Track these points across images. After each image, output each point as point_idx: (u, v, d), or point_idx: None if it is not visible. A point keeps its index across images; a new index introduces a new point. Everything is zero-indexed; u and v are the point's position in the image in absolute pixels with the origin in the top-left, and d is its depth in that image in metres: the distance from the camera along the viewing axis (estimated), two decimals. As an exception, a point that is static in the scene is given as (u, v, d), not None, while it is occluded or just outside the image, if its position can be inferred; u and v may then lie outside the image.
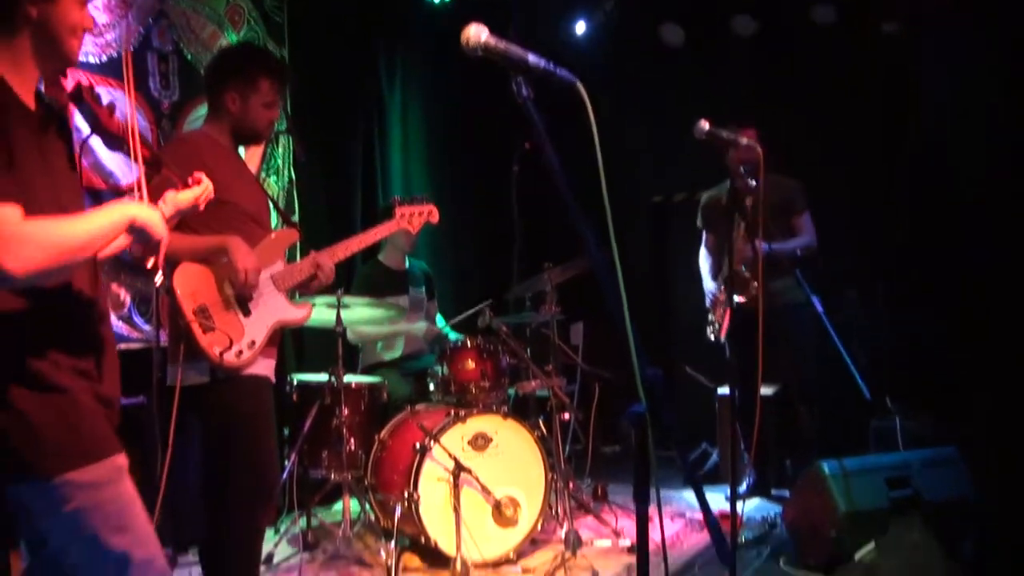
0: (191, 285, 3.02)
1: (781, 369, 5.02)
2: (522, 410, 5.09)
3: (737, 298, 4.93)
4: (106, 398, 2.14)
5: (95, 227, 2.02)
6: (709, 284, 5.40)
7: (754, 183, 4.57)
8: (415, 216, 3.85)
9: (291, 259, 3.62)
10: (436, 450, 4.19)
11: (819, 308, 5.08)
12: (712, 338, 5.24)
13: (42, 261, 1.90)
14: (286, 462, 4.50)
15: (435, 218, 3.90)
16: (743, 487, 5.18)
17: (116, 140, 2.22)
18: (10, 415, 1.95)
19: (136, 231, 2.10)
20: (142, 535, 2.11)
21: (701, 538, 4.65)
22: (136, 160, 2.19)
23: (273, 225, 3.58)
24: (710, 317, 5.30)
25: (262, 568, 4.23)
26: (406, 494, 4.15)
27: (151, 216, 2.12)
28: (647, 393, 1.62)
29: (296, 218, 5.68)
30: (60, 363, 2.02)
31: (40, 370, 1.99)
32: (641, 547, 1.86)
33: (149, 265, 2.15)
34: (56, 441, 1.99)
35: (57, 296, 2.05)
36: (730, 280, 4.44)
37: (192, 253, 3.02)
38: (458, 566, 4.05)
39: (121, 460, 2.11)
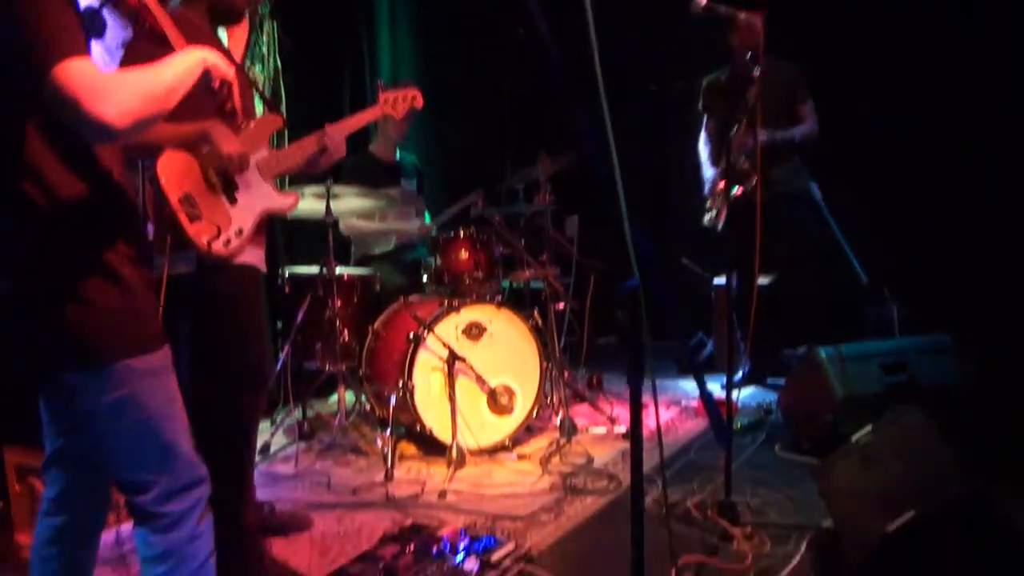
0: (176, 173, 2.95)
1: (778, 258, 5.00)
2: (517, 302, 5.10)
3: (736, 191, 4.88)
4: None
5: (176, 72, 2.02)
6: (708, 171, 5.34)
7: (756, 69, 4.47)
8: (399, 101, 3.75)
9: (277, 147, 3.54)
10: (430, 340, 4.20)
11: (817, 195, 5.05)
12: (708, 225, 5.21)
13: (138, 109, 1.87)
14: (280, 354, 4.51)
15: (419, 103, 3.79)
16: (738, 376, 5.22)
17: (131, 12, 2.16)
18: (80, 304, 1.95)
19: (207, 72, 2.12)
20: (183, 428, 2.13)
21: (696, 424, 4.71)
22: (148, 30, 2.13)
23: (258, 113, 3.49)
24: (708, 204, 5.26)
25: (258, 458, 4.31)
26: (400, 383, 4.18)
27: (217, 58, 2.15)
28: (641, 268, 1.59)
29: (283, 108, 5.57)
30: (121, 253, 2.03)
31: (107, 260, 2.00)
32: (635, 416, 1.85)
33: (228, 107, 2.17)
34: (121, 329, 2.00)
35: (110, 187, 2.04)
36: (728, 172, 4.38)
37: (174, 140, 2.95)
38: (454, 453, 4.11)
39: (168, 352, 2.13)
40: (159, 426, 2.07)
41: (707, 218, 5.22)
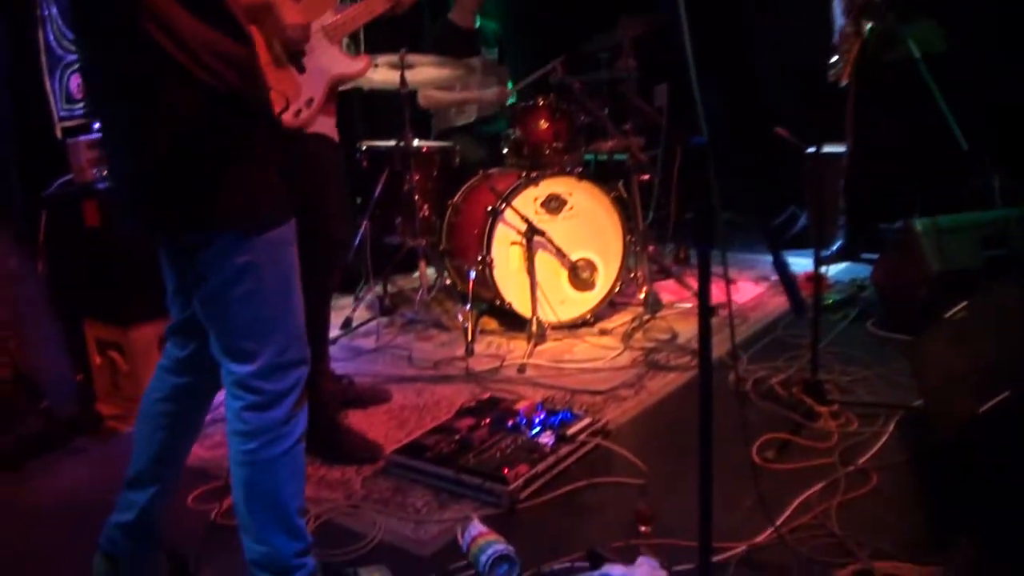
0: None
1: (887, 125, 4.74)
2: (600, 175, 4.99)
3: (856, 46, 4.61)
4: None
5: None
6: (839, 20, 5.02)
7: None
8: None
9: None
10: (508, 213, 4.15)
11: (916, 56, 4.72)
12: (832, 80, 4.91)
13: None
14: (359, 229, 4.52)
15: None
16: (832, 250, 5.05)
17: None
18: (216, 165, 1.99)
19: None
20: (297, 304, 2.17)
21: (786, 301, 4.59)
22: None
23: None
24: (834, 59, 4.93)
25: (340, 333, 4.38)
26: (479, 258, 4.16)
27: None
28: (710, 126, 1.50)
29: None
30: (259, 135, 2.05)
31: (250, 139, 2.03)
32: (703, 283, 1.77)
33: None
34: (254, 193, 2.04)
35: (253, 67, 2.06)
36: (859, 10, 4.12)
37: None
38: (534, 328, 4.11)
39: (294, 226, 2.16)
40: (276, 297, 2.10)
41: (831, 73, 4.92)
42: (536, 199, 4.21)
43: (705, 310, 1.76)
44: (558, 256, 4.22)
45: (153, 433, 2.32)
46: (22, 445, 3.34)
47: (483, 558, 2.38)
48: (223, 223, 2.01)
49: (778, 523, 2.51)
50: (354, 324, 4.51)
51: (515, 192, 4.16)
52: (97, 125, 3.56)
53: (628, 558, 2.37)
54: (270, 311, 2.10)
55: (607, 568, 2.34)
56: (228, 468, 2.21)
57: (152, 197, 2.03)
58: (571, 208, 4.27)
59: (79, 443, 3.51)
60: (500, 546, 2.41)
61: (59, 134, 3.97)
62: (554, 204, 4.24)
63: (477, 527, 2.53)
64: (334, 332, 4.41)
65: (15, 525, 3.00)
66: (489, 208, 4.17)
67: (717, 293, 1.88)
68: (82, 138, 3.65)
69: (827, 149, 5.00)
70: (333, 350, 4.23)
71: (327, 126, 3.14)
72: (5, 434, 3.31)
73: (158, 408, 2.32)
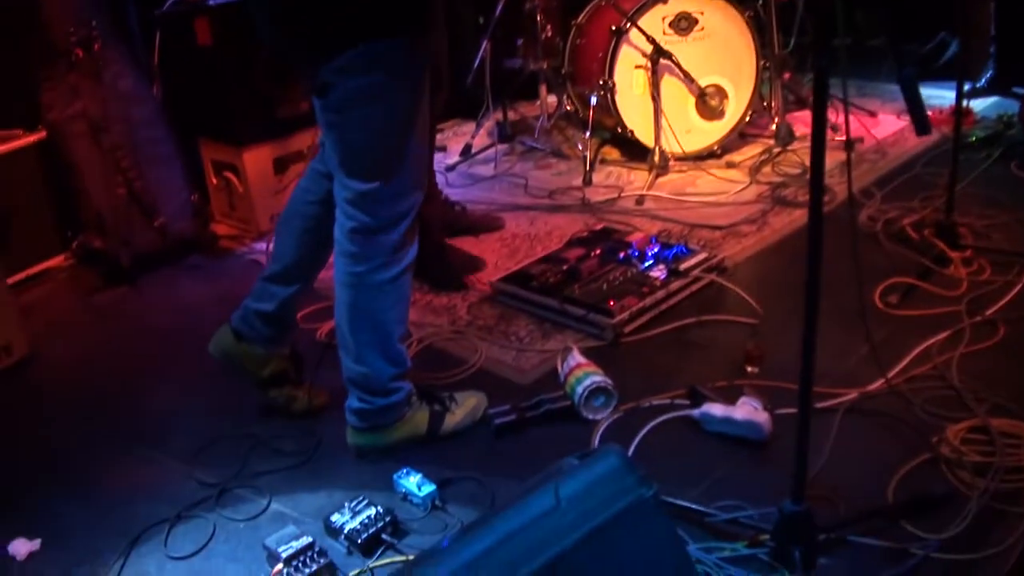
0: None
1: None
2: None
3: None
4: None
5: None
6: None
7: None
8: None
9: None
10: (633, 34, 3.96)
11: None
12: None
13: None
14: (479, 51, 4.42)
15: None
16: (981, 81, 4.67)
17: None
18: None
19: None
20: (423, 130, 2.17)
21: (927, 138, 4.29)
22: None
23: None
24: None
25: (457, 159, 4.37)
26: (601, 82, 4.02)
27: None
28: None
29: None
30: None
31: None
32: (817, 110, 1.65)
33: None
34: (405, 14, 2.02)
35: None
36: None
37: None
38: (656, 158, 3.99)
39: (431, 45, 2.15)
40: (403, 116, 2.09)
41: None
42: (664, 18, 4.00)
43: (819, 145, 1.64)
44: (685, 81, 4.04)
45: (301, 234, 2.36)
46: (138, 260, 3.50)
47: (579, 389, 2.39)
48: (362, 34, 1.98)
49: (893, 372, 2.42)
50: (473, 151, 4.47)
51: (641, 10, 3.96)
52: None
53: (730, 398, 2.35)
54: (396, 129, 2.09)
55: (707, 406, 2.33)
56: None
57: (291, 5, 2.01)
58: (702, 29, 4.04)
59: (193, 260, 3.66)
60: (598, 378, 2.41)
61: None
62: (684, 24, 4.02)
63: (576, 358, 2.54)
64: (453, 159, 4.41)
65: (131, 335, 3.20)
66: (613, 28, 3.99)
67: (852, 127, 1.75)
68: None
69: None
70: (451, 177, 4.25)
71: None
72: (122, 249, 3.46)
73: (309, 211, 2.36)
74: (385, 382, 2.26)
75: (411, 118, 2.11)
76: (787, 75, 4.37)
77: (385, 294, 2.21)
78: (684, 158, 4.14)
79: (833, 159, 4.06)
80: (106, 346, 3.12)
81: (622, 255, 3.12)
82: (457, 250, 3.32)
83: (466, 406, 2.42)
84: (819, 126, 1.64)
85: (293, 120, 3.80)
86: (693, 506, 2.00)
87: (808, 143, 3.99)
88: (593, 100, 4.11)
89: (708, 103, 4.10)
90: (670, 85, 4.02)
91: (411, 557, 1.94)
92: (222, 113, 3.71)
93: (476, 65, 4.37)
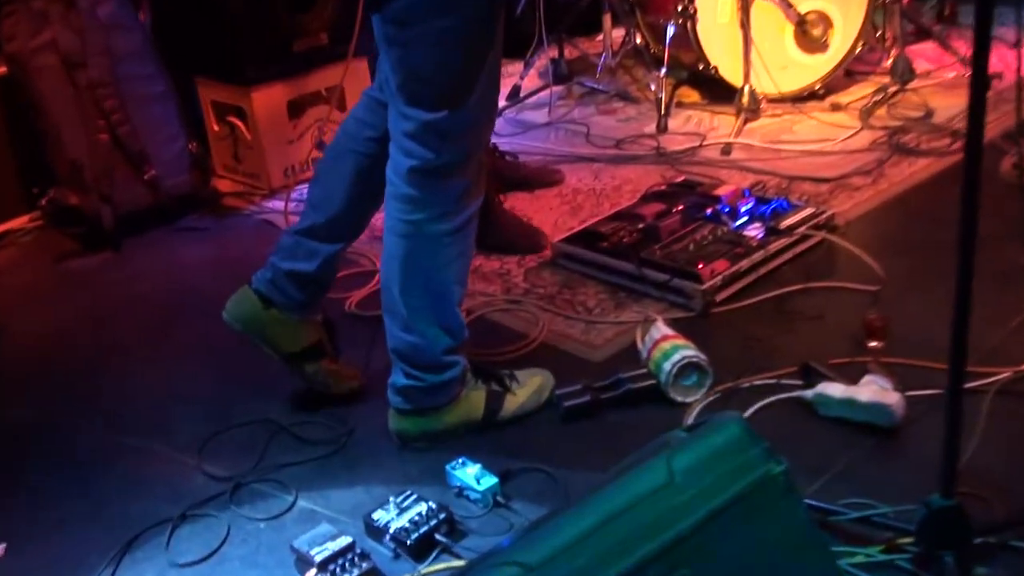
0: None
1: None
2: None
3: None
4: None
5: None
6: None
7: None
8: None
9: None
10: (719, -52, 3.92)
11: None
12: None
13: None
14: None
15: None
16: None
17: None
18: None
19: None
20: (494, 69, 2.16)
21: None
22: None
23: None
24: None
25: (506, 103, 4.34)
26: (680, 9, 3.99)
27: None
28: None
29: None
30: None
31: None
32: (979, 46, 1.57)
33: None
34: None
35: None
36: None
37: None
38: (745, 100, 3.96)
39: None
40: (478, 35, 2.07)
41: None
42: (757, -64, 3.96)
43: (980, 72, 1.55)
44: (782, 6, 3.99)
45: (353, 177, 2.34)
46: (123, 220, 3.49)
47: (667, 365, 2.35)
48: None
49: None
50: (523, 94, 4.45)
51: (729, -79, 3.92)
52: None
53: (851, 377, 2.29)
54: (469, 47, 2.07)
55: (823, 386, 2.28)
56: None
57: None
58: (802, -58, 4.00)
59: (191, 220, 3.66)
60: (690, 352, 2.37)
61: None
62: (780, -63, 3.99)
63: (661, 330, 2.50)
64: (500, 102, 4.37)
65: (115, 308, 3.19)
66: (694, -58, 3.96)
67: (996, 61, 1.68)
68: None
69: None
70: (498, 123, 4.20)
71: None
72: (103, 207, 3.44)
73: (366, 148, 2.33)
74: (438, 355, 2.23)
75: (487, 35, 2.09)
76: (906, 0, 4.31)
77: (445, 248, 2.18)
78: (779, 99, 4.12)
79: (962, 100, 3.99)
80: (86, 320, 3.13)
81: (709, 211, 3.10)
82: (515, 219, 3.27)
83: (530, 386, 2.39)
84: (982, 44, 1.55)
85: (312, 54, 3.79)
86: (814, 503, 1.94)
87: (931, 80, 3.97)
88: (670, 31, 4.08)
89: (809, 33, 4.06)
90: (763, 11, 3.99)
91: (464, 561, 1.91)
92: (225, 45, 3.70)
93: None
